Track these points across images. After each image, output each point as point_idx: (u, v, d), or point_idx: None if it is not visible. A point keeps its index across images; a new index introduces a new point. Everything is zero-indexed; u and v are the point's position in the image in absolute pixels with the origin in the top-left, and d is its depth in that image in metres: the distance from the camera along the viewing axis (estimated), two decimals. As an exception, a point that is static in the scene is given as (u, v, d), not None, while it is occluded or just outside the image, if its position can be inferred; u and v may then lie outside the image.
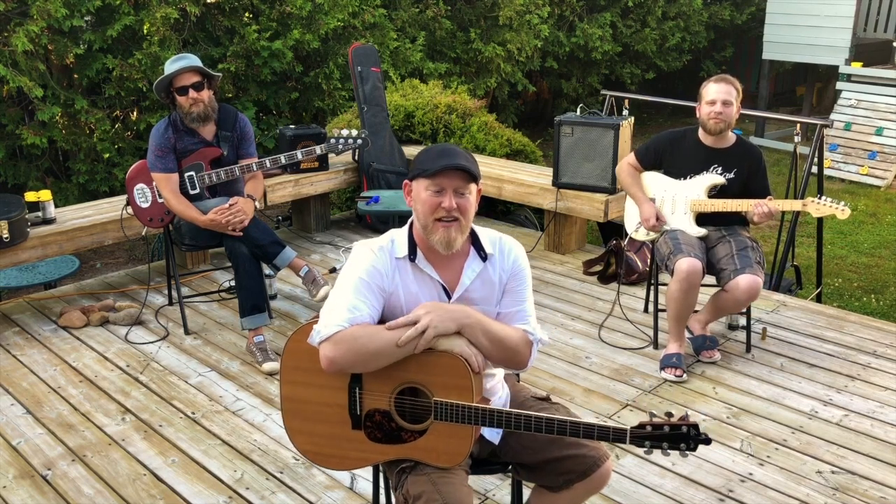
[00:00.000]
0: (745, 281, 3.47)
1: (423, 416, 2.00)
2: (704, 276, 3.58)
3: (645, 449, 1.91)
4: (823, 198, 3.63)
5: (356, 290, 2.00)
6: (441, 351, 1.95)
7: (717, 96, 3.62)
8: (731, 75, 3.75)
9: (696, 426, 1.89)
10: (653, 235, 3.86)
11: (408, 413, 2.01)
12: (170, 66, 3.80)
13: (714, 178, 3.72)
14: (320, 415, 2.06)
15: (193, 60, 3.83)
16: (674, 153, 3.82)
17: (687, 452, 1.90)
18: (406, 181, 2.09)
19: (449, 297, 2.08)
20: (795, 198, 4.42)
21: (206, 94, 3.85)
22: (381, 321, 2.03)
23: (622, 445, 3.12)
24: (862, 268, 6.24)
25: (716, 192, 3.72)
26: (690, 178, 3.76)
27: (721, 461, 3.03)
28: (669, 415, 1.92)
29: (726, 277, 3.54)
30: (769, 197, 3.68)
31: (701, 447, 3.07)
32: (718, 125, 3.65)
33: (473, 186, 2.03)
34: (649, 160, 3.90)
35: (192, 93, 3.79)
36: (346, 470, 2.12)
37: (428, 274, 2.07)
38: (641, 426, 1.90)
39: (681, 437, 1.89)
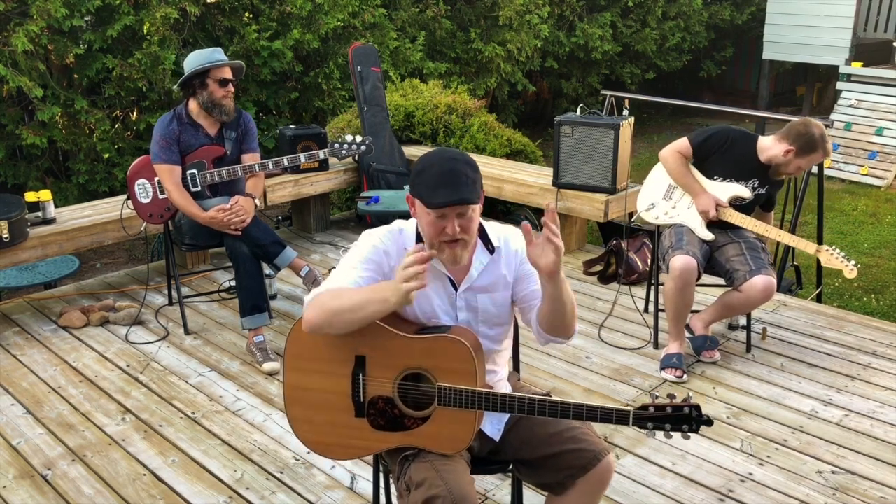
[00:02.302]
0: (761, 282, 3.47)
1: (427, 403, 2.01)
2: (700, 275, 3.57)
3: (647, 430, 1.93)
4: (837, 250, 3.62)
5: (352, 264, 2.06)
6: (443, 336, 1.98)
7: (812, 166, 3.67)
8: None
9: (697, 407, 1.91)
10: (662, 220, 3.83)
11: (411, 399, 2.02)
12: (210, 56, 3.86)
13: (741, 189, 3.69)
14: (323, 403, 2.07)
15: (225, 57, 3.94)
16: (726, 152, 3.75)
17: (689, 434, 1.92)
18: (408, 194, 2.08)
19: (455, 289, 2.11)
20: (795, 199, 4.43)
21: (231, 90, 3.95)
22: (395, 317, 2.06)
23: (627, 445, 3.12)
24: (862, 268, 6.23)
25: (738, 205, 3.71)
26: (721, 179, 3.75)
27: (721, 461, 3.03)
28: (672, 396, 1.94)
29: (741, 278, 3.53)
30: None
31: (701, 447, 3.09)
32: (788, 176, 3.72)
33: (476, 206, 2.01)
34: (704, 151, 3.78)
35: (230, 86, 3.90)
36: (349, 459, 2.13)
37: (435, 266, 2.09)
38: (644, 407, 1.93)
39: (683, 418, 1.91)
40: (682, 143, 3.81)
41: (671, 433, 1.93)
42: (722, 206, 3.70)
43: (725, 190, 3.72)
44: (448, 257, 2.03)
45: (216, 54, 3.89)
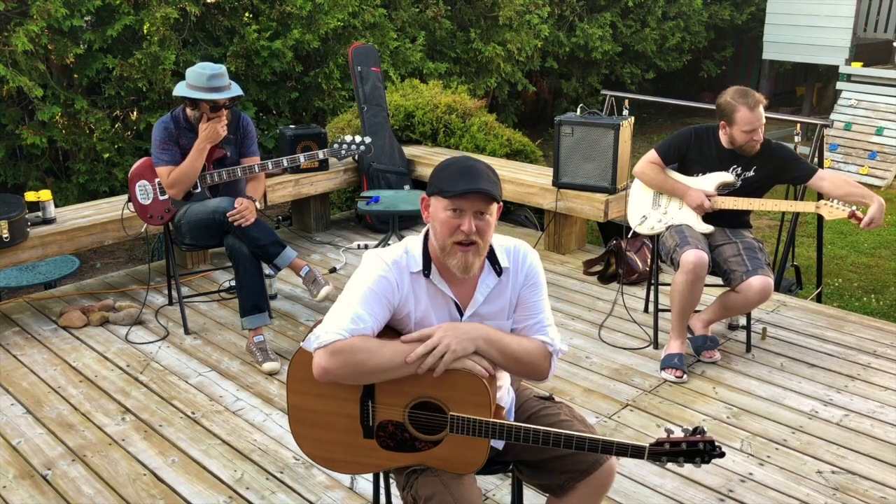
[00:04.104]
0: (757, 282, 3.47)
1: (438, 429, 1.97)
2: (709, 269, 3.57)
3: (660, 463, 1.91)
4: (835, 201, 3.60)
5: (363, 300, 1.94)
6: (457, 368, 1.92)
7: (755, 125, 3.54)
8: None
9: (711, 442, 1.89)
10: (658, 229, 3.85)
11: (422, 425, 1.98)
12: (209, 82, 3.77)
13: (725, 176, 3.70)
14: (330, 424, 2.02)
15: (226, 77, 3.85)
16: (696, 150, 3.78)
17: (701, 465, 1.91)
18: (423, 195, 2.02)
19: (461, 314, 2.04)
20: (795, 199, 4.43)
21: (228, 112, 3.91)
22: (394, 333, 2.02)
23: (621, 438, 3.12)
24: (862, 268, 6.24)
25: (728, 192, 3.71)
26: (702, 174, 3.76)
27: (721, 461, 3.02)
28: (686, 431, 1.91)
29: (737, 279, 3.53)
30: (819, 172, 3.65)
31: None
32: (755, 147, 3.63)
33: (494, 207, 1.95)
34: (672, 157, 3.83)
35: (221, 111, 3.84)
36: (357, 474, 2.11)
37: (441, 290, 2.02)
38: (659, 443, 1.90)
39: (696, 452, 1.89)
40: (652, 155, 3.86)
41: (683, 464, 1.92)
42: (712, 196, 3.70)
43: (711, 181, 3.73)
44: (459, 263, 1.95)
45: (213, 80, 3.79)
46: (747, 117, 3.53)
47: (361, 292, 1.95)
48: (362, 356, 1.88)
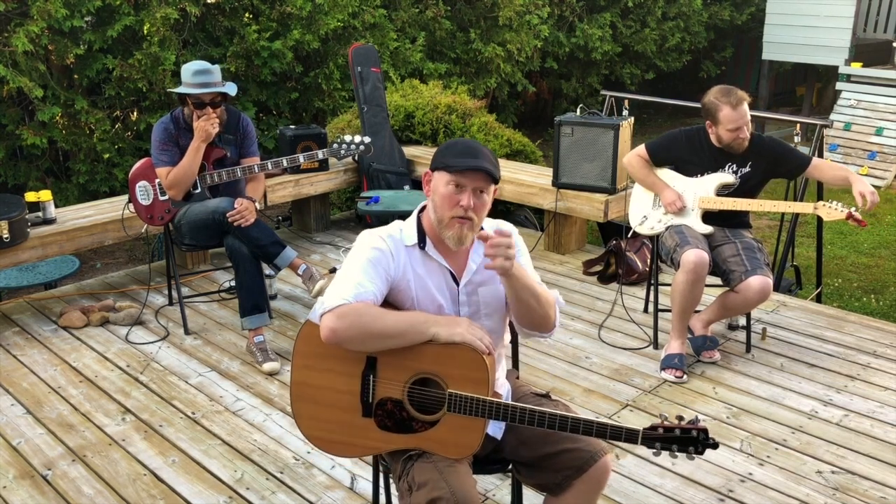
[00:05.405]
0: (756, 282, 3.47)
1: (436, 407, 2.00)
2: (710, 269, 3.58)
3: (654, 450, 1.94)
4: (834, 202, 3.60)
5: (363, 269, 2.03)
6: (457, 343, 1.96)
7: (739, 123, 3.57)
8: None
9: (705, 431, 1.92)
10: (658, 229, 3.85)
11: (420, 403, 2.02)
12: (194, 77, 3.78)
13: (725, 177, 3.71)
14: (330, 400, 2.06)
15: (216, 75, 3.84)
16: (689, 151, 3.80)
17: (694, 456, 1.92)
18: (427, 171, 2.12)
19: (457, 283, 2.12)
20: (795, 199, 4.43)
21: (220, 110, 3.90)
22: (389, 307, 2.07)
23: (627, 446, 3.12)
24: (862, 268, 6.24)
25: (727, 192, 3.72)
26: (702, 175, 3.76)
27: (721, 461, 3.03)
28: (680, 418, 1.94)
29: (736, 279, 3.53)
30: (813, 160, 3.67)
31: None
32: (743, 144, 3.65)
33: (493, 187, 2.07)
34: (660, 158, 3.86)
35: (208, 109, 3.83)
36: (352, 457, 2.14)
37: (436, 261, 2.11)
38: (653, 428, 1.93)
39: (690, 440, 1.92)
40: (641, 149, 3.92)
41: (677, 454, 1.94)
42: (698, 199, 3.71)
43: (711, 182, 3.74)
44: (455, 234, 2.04)
45: (199, 76, 3.79)
46: (731, 116, 3.57)
47: (361, 263, 2.04)
48: (367, 319, 1.95)
